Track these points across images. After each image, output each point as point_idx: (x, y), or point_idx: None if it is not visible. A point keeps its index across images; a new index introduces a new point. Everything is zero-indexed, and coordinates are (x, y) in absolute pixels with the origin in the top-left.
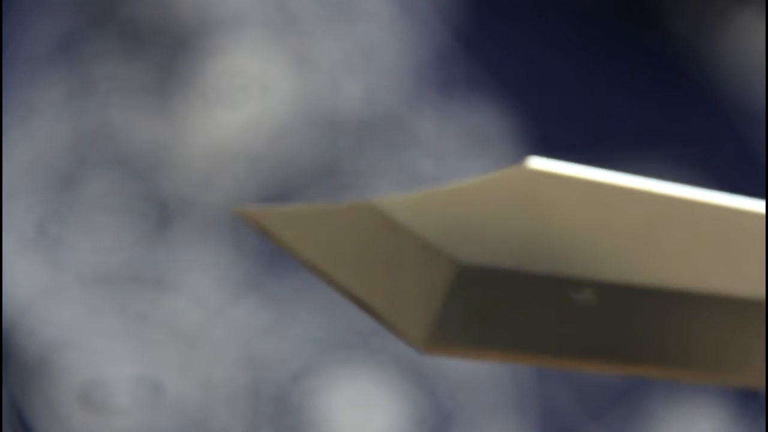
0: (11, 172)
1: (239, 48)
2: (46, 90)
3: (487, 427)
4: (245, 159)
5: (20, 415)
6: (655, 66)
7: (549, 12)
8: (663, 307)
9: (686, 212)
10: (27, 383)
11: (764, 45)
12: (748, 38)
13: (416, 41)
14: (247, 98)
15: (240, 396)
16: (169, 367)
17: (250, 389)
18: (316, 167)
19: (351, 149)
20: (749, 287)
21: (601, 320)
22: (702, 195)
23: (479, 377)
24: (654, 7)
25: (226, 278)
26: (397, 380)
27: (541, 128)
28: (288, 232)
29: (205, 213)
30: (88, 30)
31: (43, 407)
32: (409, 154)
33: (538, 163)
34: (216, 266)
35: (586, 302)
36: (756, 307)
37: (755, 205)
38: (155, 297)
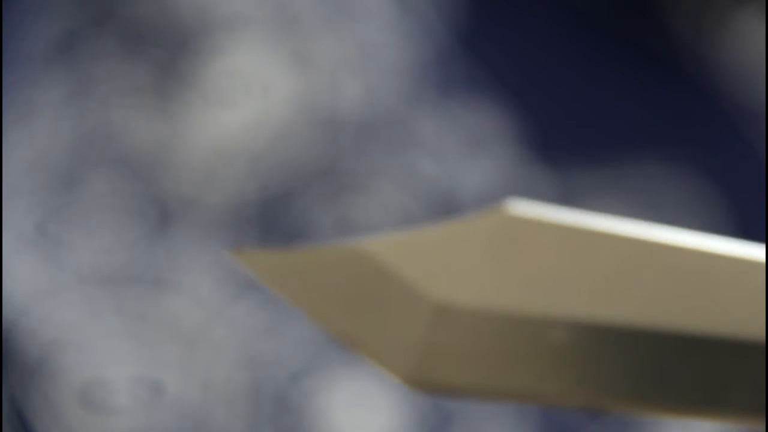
0: (11, 172)
1: (239, 48)
2: (46, 90)
3: (486, 427)
4: (245, 159)
5: (20, 415)
6: (656, 66)
7: (549, 12)
8: (637, 347)
9: (662, 255)
10: (27, 383)
11: (764, 45)
12: (748, 38)
13: (416, 41)
14: (247, 98)
15: (240, 396)
16: (169, 367)
17: (250, 389)
18: (316, 167)
19: (351, 149)
20: (725, 326)
21: (576, 359)
22: (677, 238)
23: None
24: (654, 7)
25: (226, 278)
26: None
27: (541, 128)
28: (277, 275)
29: (205, 213)
30: (88, 30)
31: (43, 407)
32: (409, 154)
33: (515, 207)
34: (216, 266)
35: (560, 341)
36: (732, 346)
37: (729, 248)
38: (155, 297)
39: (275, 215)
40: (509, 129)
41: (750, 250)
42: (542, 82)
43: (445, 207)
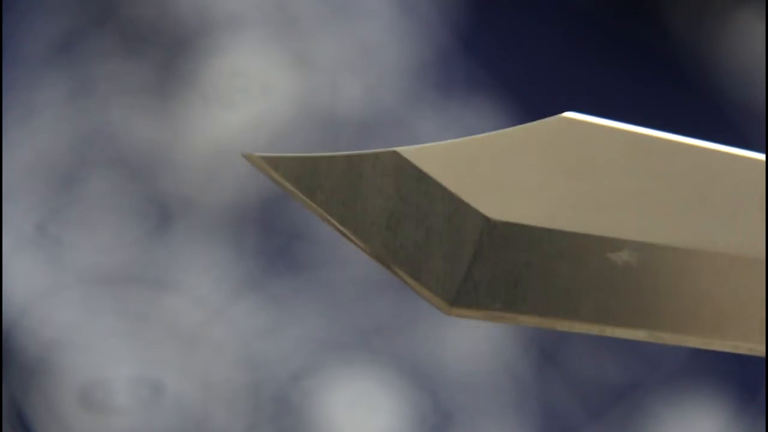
0: (11, 172)
1: (239, 48)
2: (46, 90)
3: (487, 427)
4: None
5: (20, 415)
6: (655, 66)
7: (549, 12)
8: (705, 270)
9: (735, 170)
10: (27, 383)
11: (764, 45)
12: (748, 38)
13: (416, 41)
14: (247, 98)
15: (240, 396)
16: (169, 367)
17: (250, 389)
18: None
19: (351, 149)
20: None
21: (640, 283)
22: (747, 153)
23: (479, 377)
24: (654, 7)
25: (226, 278)
26: (397, 380)
27: None
28: (305, 182)
29: (205, 213)
30: (88, 30)
31: (43, 407)
32: None
33: (575, 115)
34: (216, 266)
35: (624, 264)
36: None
37: None
38: (155, 297)
39: (275, 215)
40: None
41: None
42: (542, 82)
43: None
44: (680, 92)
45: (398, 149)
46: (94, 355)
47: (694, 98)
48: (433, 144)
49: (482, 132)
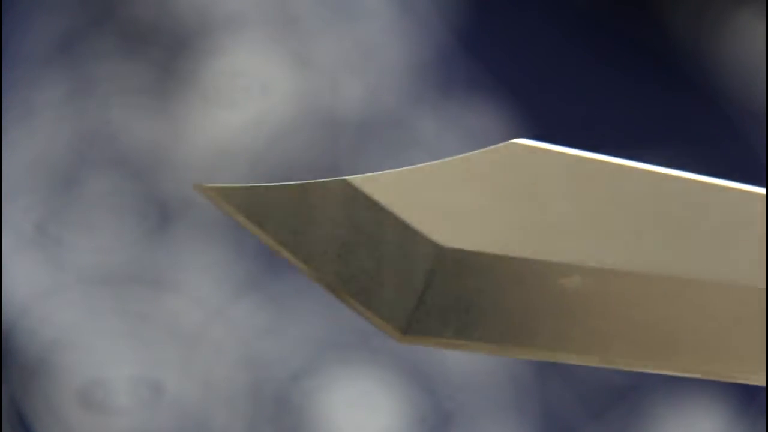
0: (11, 172)
1: (239, 48)
2: (46, 90)
3: (486, 427)
4: (245, 159)
5: (20, 415)
6: (655, 66)
7: (548, 12)
8: (658, 294)
9: (683, 193)
10: (27, 383)
11: (764, 45)
12: (748, 38)
13: (416, 41)
14: (247, 98)
15: (240, 396)
16: (169, 367)
17: (250, 389)
18: (316, 167)
19: (351, 149)
20: (748, 274)
21: (592, 308)
22: (700, 177)
23: (479, 377)
24: (654, 7)
25: (226, 278)
26: (397, 380)
27: (540, 128)
28: (255, 212)
29: (205, 213)
30: (88, 30)
31: (43, 407)
32: (409, 154)
33: (526, 141)
34: (216, 266)
35: (575, 289)
36: (754, 295)
37: (752, 188)
38: (155, 297)
39: None
40: (509, 129)
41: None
42: (542, 82)
43: None
44: (680, 92)
45: (348, 178)
46: (94, 355)
47: (694, 98)
48: (384, 172)
49: (482, 132)
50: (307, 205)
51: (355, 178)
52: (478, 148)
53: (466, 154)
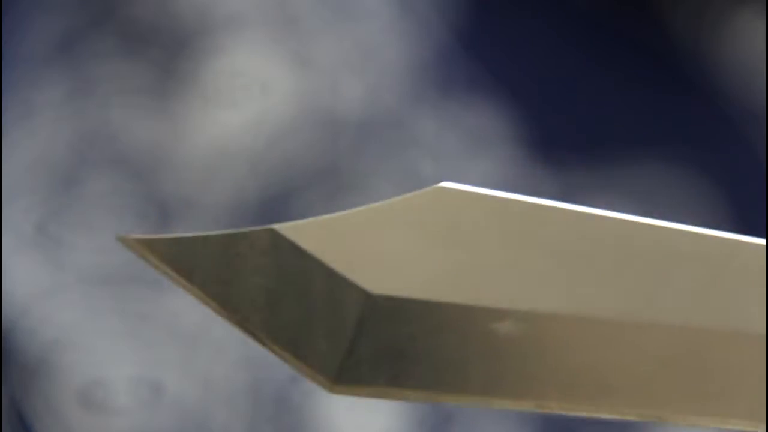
0: (11, 172)
1: (239, 48)
2: (46, 90)
3: (486, 427)
4: (245, 159)
5: (20, 415)
6: (655, 66)
7: (548, 12)
8: (591, 337)
9: (611, 233)
10: (27, 383)
11: (764, 45)
12: (748, 38)
13: (416, 41)
14: (247, 98)
15: (240, 396)
16: (169, 367)
17: (250, 389)
18: (316, 167)
19: (351, 149)
20: (680, 313)
21: (525, 353)
22: (625, 216)
23: None
24: (654, 8)
25: None
26: None
27: (540, 128)
28: (177, 261)
29: (205, 213)
30: (88, 30)
31: (43, 407)
32: (409, 154)
33: (452, 185)
34: None
35: (507, 334)
36: (688, 335)
37: (683, 227)
38: (155, 297)
39: (275, 215)
40: (509, 129)
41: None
42: (542, 82)
43: None
44: (680, 92)
45: (275, 226)
46: (94, 355)
47: (694, 98)
48: (310, 220)
49: (482, 132)
50: (234, 254)
51: (282, 227)
52: (478, 148)
53: (393, 199)
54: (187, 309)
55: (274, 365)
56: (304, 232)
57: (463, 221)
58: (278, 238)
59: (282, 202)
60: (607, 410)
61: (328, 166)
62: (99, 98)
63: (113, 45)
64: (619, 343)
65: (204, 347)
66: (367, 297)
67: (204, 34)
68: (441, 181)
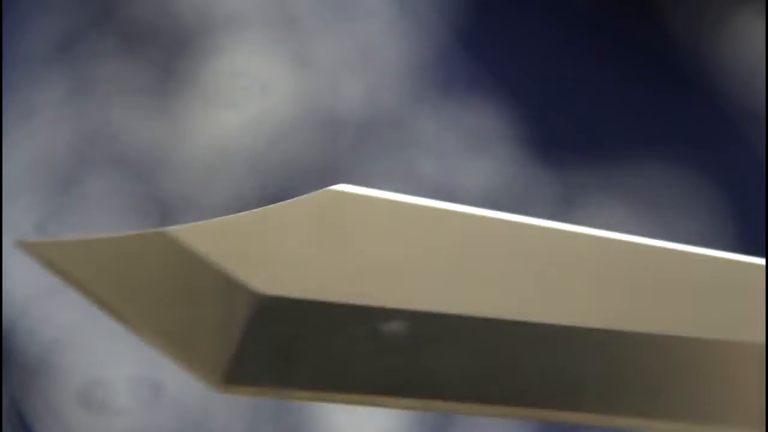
0: (11, 172)
1: (239, 48)
2: (46, 90)
3: (486, 427)
4: (245, 159)
5: (20, 415)
6: (655, 66)
7: (548, 12)
8: (479, 338)
9: (502, 236)
10: (27, 383)
11: (764, 45)
12: (748, 38)
13: (416, 41)
14: (247, 98)
15: (240, 396)
16: (169, 367)
17: None
18: (316, 167)
19: (351, 149)
20: (573, 316)
21: (412, 353)
22: (517, 217)
23: None
24: (654, 8)
25: None
26: None
27: (540, 128)
28: (71, 264)
29: (205, 213)
30: (88, 30)
31: (43, 407)
32: (409, 154)
33: (344, 187)
34: None
35: (395, 333)
36: (578, 334)
37: (573, 227)
38: None
39: None
40: (509, 129)
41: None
42: (542, 82)
43: None
44: (680, 92)
45: (165, 229)
46: (94, 355)
47: (694, 98)
48: (202, 222)
49: (482, 132)
50: (126, 257)
51: (173, 229)
52: (478, 148)
53: (285, 202)
54: None
55: None
56: (195, 234)
57: (352, 223)
58: (169, 241)
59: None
60: (490, 412)
61: (328, 166)
62: (99, 98)
63: (113, 45)
64: (518, 340)
65: None
66: (257, 298)
67: (204, 34)
68: (441, 181)
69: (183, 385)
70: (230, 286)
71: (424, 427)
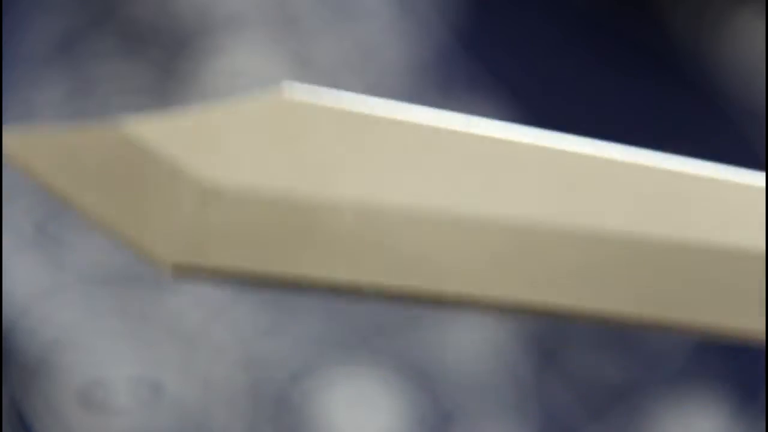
0: (11, 172)
1: (239, 48)
2: (46, 90)
3: (487, 427)
4: None
5: (20, 415)
6: (655, 66)
7: (549, 12)
8: (426, 230)
9: (441, 141)
10: (27, 383)
11: (764, 45)
12: (748, 38)
13: (416, 41)
14: None
15: (240, 396)
16: (169, 367)
17: (250, 389)
18: None
19: None
20: (510, 211)
21: (362, 245)
22: (461, 124)
23: (479, 377)
24: (654, 7)
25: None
26: (397, 380)
27: (541, 128)
28: (27, 156)
29: None
30: (88, 30)
31: (43, 407)
32: None
33: (292, 89)
34: None
35: (344, 226)
36: (512, 233)
37: (512, 133)
38: (155, 297)
39: None
40: None
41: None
42: (542, 82)
43: None
44: (680, 92)
45: (117, 121)
46: (94, 355)
47: (694, 98)
48: (154, 115)
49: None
50: (79, 147)
51: (125, 121)
52: None
53: (236, 99)
54: (187, 309)
55: (274, 365)
56: (147, 126)
57: (303, 121)
58: (121, 132)
59: None
60: (438, 297)
61: None
62: (99, 98)
63: (113, 45)
64: (453, 235)
65: (204, 347)
66: (205, 189)
67: (204, 34)
68: None
69: (183, 385)
70: (179, 177)
71: (424, 427)
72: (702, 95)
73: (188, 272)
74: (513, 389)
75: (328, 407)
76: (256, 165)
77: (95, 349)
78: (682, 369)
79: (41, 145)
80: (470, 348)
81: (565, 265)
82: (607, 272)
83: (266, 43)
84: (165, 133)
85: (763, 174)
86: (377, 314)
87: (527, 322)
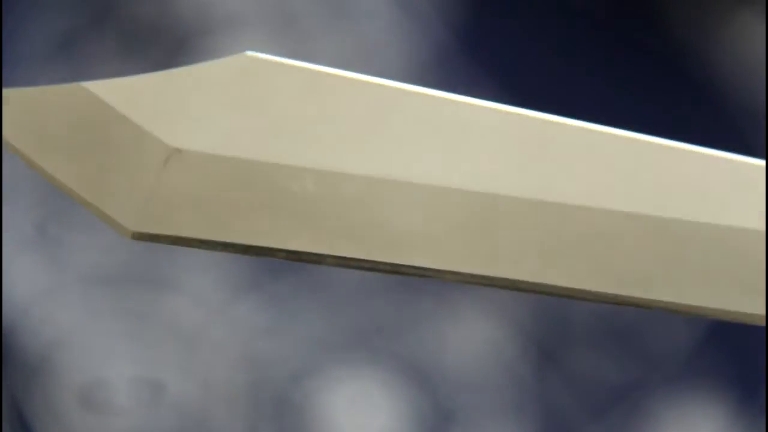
0: (11, 172)
1: (239, 48)
2: None
3: (487, 427)
4: None
5: (20, 415)
6: (655, 66)
7: (548, 12)
8: (387, 197)
9: (408, 105)
10: (27, 383)
11: (764, 45)
12: (748, 38)
13: (416, 41)
14: None
15: (240, 396)
16: (169, 367)
17: (250, 389)
18: None
19: None
20: (473, 181)
21: (323, 210)
22: (424, 90)
23: (479, 377)
24: (654, 7)
25: (226, 278)
26: (397, 380)
27: None
28: None
29: None
30: (88, 30)
31: (43, 407)
32: None
33: (257, 54)
34: (216, 266)
35: (305, 191)
36: (477, 202)
37: (473, 101)
38: (155, 297)
39: None
40: None
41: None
42: (542, 82)
43: None
44: (680, 92)
45: (84, 84)
46: (94, 355)
47: (694, 98)
48: (118, 78)
49: None
50: (45, 108)
51: (90, 84)
52: None
53: (200, 64)
54: (187, 309)
55: (274, 365)
56: (112, 89)
57: (265, 87)
58: (87, 94)
59: None
60: (399, 258)
61: None
62: None
63: (113, 45)
64: (415, 203)
65: (204, 347)
66: (169, 151)
67: (204, 34)
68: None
69: (183, 385)
70: (143, 139)
71: (424, 427)
72: (702, 95)
73: (149, 238)
74: (513, 389)
75: (328, 407)
76: (219, 128)
77: (95, 349)
78: (682, 369)
79: (6, 104)
80: (470, 348)
81: (531, 238)
82: (577, 247)
83: (266, 43)
84: (129, 94)
85: (762, 162)
86: (377, 314)
87: (527, 322)
